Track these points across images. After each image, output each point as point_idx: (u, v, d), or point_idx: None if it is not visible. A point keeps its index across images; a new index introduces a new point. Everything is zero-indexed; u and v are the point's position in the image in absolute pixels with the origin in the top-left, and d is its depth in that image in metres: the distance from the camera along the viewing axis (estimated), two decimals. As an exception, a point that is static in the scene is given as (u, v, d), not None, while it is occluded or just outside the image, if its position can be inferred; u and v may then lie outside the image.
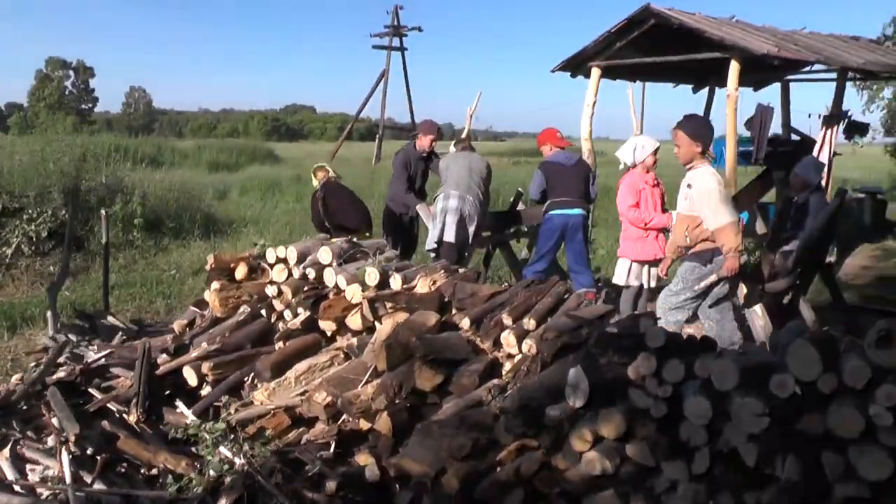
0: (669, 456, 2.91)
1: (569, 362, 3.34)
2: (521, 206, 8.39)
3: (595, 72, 10.23)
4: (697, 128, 5.05)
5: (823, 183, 9.64)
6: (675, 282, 5.16)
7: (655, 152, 6.38)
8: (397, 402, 3.78)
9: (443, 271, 4.74)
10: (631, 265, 6.47)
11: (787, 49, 9.51)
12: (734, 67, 8.98)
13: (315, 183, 8.23)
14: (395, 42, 34.77)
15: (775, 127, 12.59)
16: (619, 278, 6.63)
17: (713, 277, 5.07)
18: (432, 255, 7.15)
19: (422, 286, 4.62)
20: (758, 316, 5.39)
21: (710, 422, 2.86)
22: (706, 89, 11.86)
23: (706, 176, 4.94)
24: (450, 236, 6.94)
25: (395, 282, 4.69)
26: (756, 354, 3.07)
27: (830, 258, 11.56)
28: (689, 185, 5.02)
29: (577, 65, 10.38)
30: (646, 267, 6.44)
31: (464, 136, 11.31)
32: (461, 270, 7.04)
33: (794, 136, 10.51)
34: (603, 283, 7.78)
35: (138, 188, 13.40)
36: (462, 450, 3.22)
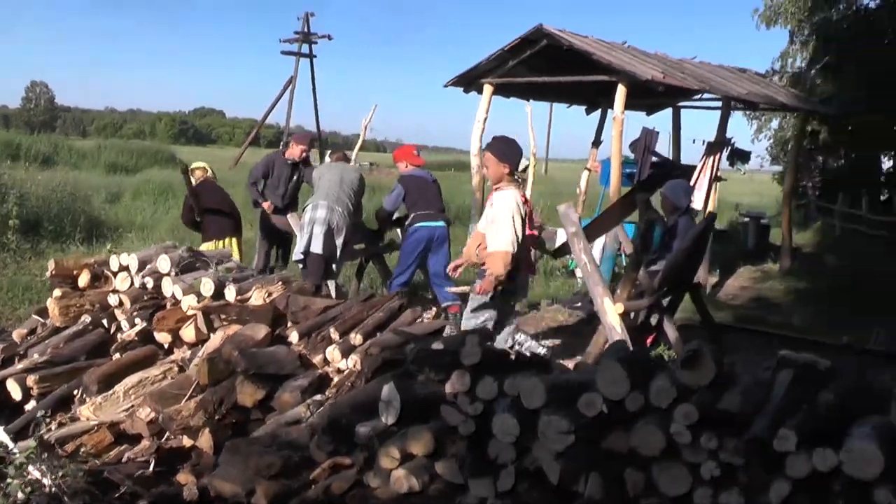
0: (477, 473, 2.84)
1: (387, 379, 3.24)
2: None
3: (487, 88, 10.27)
4: (504, 149, 5.10)
5: (701, 206, 9.98)
6: (472, 303, 5.14)
7: (524, 170, 6.39)
8: (218, 417, 3.61)
9: (280, 283, 4.60)
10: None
11: (673, 76, 9.78)
12: (621, 91, 9.17)
13: (193, 181, 8.09)
14: (305, 49, 34.27)
15: (665, 151, 12.98)
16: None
17: (476, 295, 5.10)
18: (300, 266, 7.02)
19: (256, 298, 4.47)
20: (617, 333, 5.41)
21: (519, 439, 2.81)
22: (599, 111, 12.07)
23: (506, 199, 4.97)
24: (317, 247, 6.81)
25: (230, 293, 4.52)
26: (576, 373, 3.05)
27: (713, 278, 11.97)
28: (490, 205, 5.05)
29: (469, 80, 10.41)
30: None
31: (357, 146, 11.24)
32: (329, 283, 7.00)
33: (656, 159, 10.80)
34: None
35: (18, 188, 12.75)
36: (271, 468, 3.08)
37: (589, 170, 11.50)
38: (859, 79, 15.35)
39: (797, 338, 8.21)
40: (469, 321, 4.93)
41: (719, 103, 11.34)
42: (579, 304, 8.43)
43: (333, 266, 7.10)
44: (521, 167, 6.42)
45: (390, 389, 3.07)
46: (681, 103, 12.36)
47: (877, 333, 7.75)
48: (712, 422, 2.65)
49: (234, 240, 7.79)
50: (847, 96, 15.61)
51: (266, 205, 7.98)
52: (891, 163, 22.24)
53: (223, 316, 4.29)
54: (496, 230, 4.89)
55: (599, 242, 9.11)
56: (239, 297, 4.49)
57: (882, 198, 22.22)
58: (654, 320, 6.55)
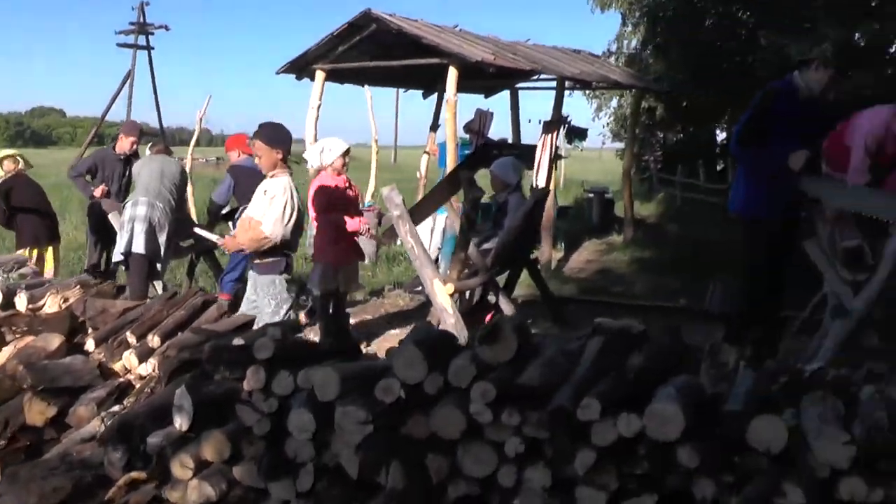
0: (276, 475, 2.67)
1: (184, 381, 3.02)
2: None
3: (319, 75, 10.07)
4: (274, 134, 5.04)
5: (544, 184, 10.15)
6: (265, 301, 4.99)
7: (345, 154, 6.24)
8: (4, 442, 3.27)
9: (78, 287, 4.26)
10: (325, 269, 6.29)
11: (504, 57, 9.87)
12: (452, 73, 9.20)
13: (1, 174, 7.50)
14: (142, 41, 32.64)
15: (504, 132, 13.19)
16: (313, 284, 6.45)
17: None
18: (123, 267, 6.64)
19: (51, 305, 4.11)
20: (449, 314, 5.36)
21: (317, 435, 2.65)
22: (436, 95, 12.07)
23: (280, 185, 4.91)
24: (139, 247, 6.45)
25: (21, 301, 4.14)
26: (377, 360, 2.92)
27: (559, 253, 12.24)
28: (264, 192, 4.97)
29: (301, 67, 10.18)
30: (340, 271, 6.28)
31: (194, 139, 10.82)
32: (156, 283, 6.64)
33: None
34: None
35: None
36: (58, 493, 2.80)
37: (428, 154, 11.50)
38: (685, 59, 16.06)
39: (637, 305, 8.48)
40: (274, 318, 4.77)
41: (555, 83, 11.58)
42: (420, 288, 8.38)
43: (158, 266, 6.74)
44: (340, 152, 6.25)
45: (181, 393, 2.86)
46: (518, 85, 12.55)
47: (712, 289, 8.05)
48: (516, 397, 2.58)
49: (50, 248, 7.26)
50: (676, 75, 16.32)
51: (98, 190, 7.49)
52: (724, 135, 23.53)
53: (14, 327, 3.92)
54: (271, 213, 4.85)
55: (441, 224, 9.11)
56: (31, 306, 4.12)
57: (718, 168, 23.53)
58: (492, 299, 6.58)
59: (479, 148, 7.24)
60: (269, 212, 4.80)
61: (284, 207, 4.80)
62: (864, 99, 9.04)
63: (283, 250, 4.98)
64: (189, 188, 8.48)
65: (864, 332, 5.14)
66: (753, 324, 5.48)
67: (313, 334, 6.70)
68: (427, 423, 2.57)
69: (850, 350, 4.85)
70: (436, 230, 9.34)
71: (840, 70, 5.26)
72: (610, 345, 3.00)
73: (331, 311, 6.32)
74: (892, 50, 13.91)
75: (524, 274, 7.23)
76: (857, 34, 12.46)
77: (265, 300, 4.90)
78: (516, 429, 2.54)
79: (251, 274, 5.08)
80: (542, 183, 10.34)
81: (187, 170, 8.56)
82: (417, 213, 5.72)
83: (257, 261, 4.97)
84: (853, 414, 2.38)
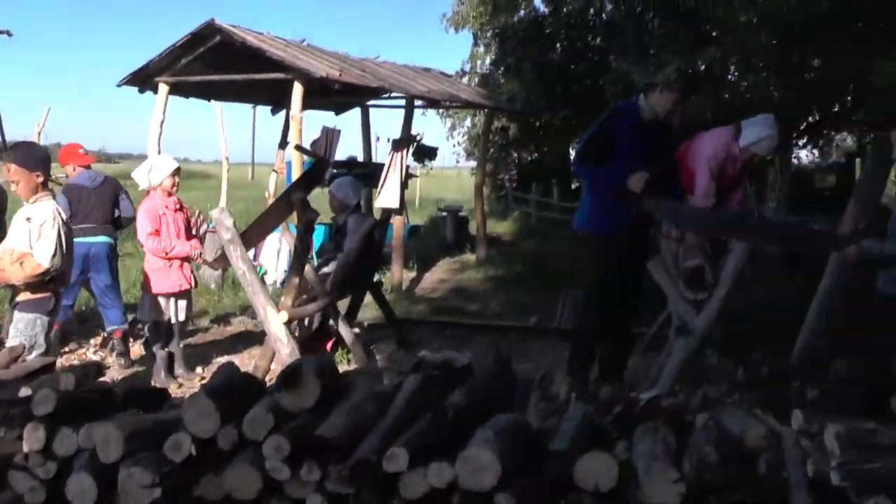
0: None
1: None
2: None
3: (163, 88, 9.61)
4: (30, 156, 4.60)
5: (398, 203, 10.06)
6: (17, 341, 4.40)
7: (175, 174, 5.90)
8: None
9: None
10: (155, 298, 5.92)
11: (351, 74, 9.74)
12: (297, 89, 9.01)
13: None
14: (-21, 48, 30.40)
15: (355, 150, 13.03)
16: (143, 313, 6.05)
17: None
18: None
19: None
20: (283, 344, 5.12)
21: (100, 502, 2.39)
22: (284, 112, 11.76)
23: (47, 210, 4.49)
24: None
25: None
26: (169, 412, 2.68)
27: (411, 273, 12.14)
28: (28, 219, 4.50)
29: (143, 79, 9.69)
30: (172, 300, 5.92)
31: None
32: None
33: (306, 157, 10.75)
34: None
35: None
36: None
37: (276, 172, 11.21)
38: (537, 80, 16.43)
39: (489, 325, 8.46)
40: (35, 352, 4.33)
41: (405, 102, 11.53)
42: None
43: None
44: (170, 171, 5.89)
45: (-59, 460, 2.51)
46: (369, 102, 12.45)
47: (563, 304, 8.11)
48: (317, 449, 2.41)
49: None
50: (529, 96, 16.66)
51: None
52: (576, 155, 24.19)
53: None
54: (39, 246, 4.39)
55: (287, 246, 8.84)
56: None
57: (572, 187, 24.19)
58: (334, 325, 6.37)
59: (312, 166, 6.97)
60: (41, 241, 4.34)
61: (58, 235, 4.36)
62: (704, 121, 9.47)
63: (51, 285, 4.50)
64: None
65: (703, 351, 5.23)
66: (605, 336, 5.48)
67: (147, 367, 6.29)
68: (220, 482, 2.37)
69: (690, 369, 4.92)
70: (282, 252, 9.06)
71: (684, 93, 5.34)
72: (430, 381, 2.88)
73: (163, 342, 5.94)
74: (730, 76, 14.71)
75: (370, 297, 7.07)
76: (698, 61, 13.04)
77: (17, 339, 4.35)
78: (318, 484, 2.39)
79: (15, 312, 4.53)
80: (387, 202, 10.24)
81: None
82: (250, 236, 5.45)
83: (23, 297, 4.44)
84: (686, 444, 2.37)
